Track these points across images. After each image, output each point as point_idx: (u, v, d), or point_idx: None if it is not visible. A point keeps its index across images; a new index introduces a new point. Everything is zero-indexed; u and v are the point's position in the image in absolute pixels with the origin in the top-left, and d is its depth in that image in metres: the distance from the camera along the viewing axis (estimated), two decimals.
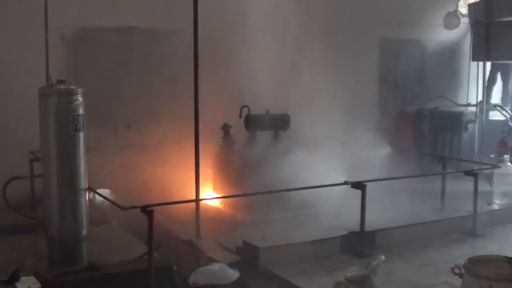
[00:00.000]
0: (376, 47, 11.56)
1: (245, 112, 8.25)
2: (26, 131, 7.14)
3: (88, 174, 6.12)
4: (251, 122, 8.29)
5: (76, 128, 5.90)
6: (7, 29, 7.85)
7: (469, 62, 11.81)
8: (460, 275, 4.50)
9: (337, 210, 7.50)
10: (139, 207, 5.40)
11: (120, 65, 8.90)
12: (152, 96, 8.92)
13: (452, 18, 11.86)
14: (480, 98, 11.53)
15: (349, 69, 9.20)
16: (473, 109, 11.49)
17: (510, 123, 10.46)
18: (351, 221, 6.82)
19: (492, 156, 9.97)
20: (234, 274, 5.82)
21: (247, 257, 6.38)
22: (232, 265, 6.00)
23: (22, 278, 4.94)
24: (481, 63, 11.44)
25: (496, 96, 12.14)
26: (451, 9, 11.92)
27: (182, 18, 7.24)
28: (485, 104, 11.34)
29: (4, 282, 4.86)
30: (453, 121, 11.27)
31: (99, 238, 6.37)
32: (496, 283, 4.18)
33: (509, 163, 8.63)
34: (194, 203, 6.92)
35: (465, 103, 11.97)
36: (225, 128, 8.28)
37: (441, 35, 11.95)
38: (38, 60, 7.64)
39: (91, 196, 6.83)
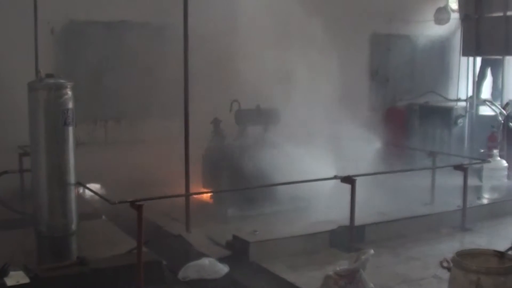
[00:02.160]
0: (367, 43, 11.56)
1: (235, 106, 8.24)
2: (15, 126, 7.11)
3: (77, 168, 6.10)
4: (242, 116, 8.29)
5: (65, 123, 5.88)
6: None
7: (459, 57, 11.83)
8: (449, 269, 4.51)
9: (327, 205, 7.52)
10: (128, 201, 5.38)
11: (110, 60, 8.87)
12: (142, 90, 8.89)
13: (442, 13, 11.87)
14: (470, 93, 11.55)
15: (339, 64, 9.18)
16: (463, 104, 11.51)
17: (499, 118, 10.50)
18: (341, 215, 6.82)
19: (482, 151, 10.02)
20: (223, 269, 5.83)
21: (237, 252, 6.38)
22: (221, 260, 6.01)
23: (11, 273, 4.92)
24: (471, 58, 11.45)
25: (486, 91, 12.17)
26: (441, 4, 11.93)
27: (172, 12, 7.22)
28: (475, 99, 11.36)
29: None
30: (443, 116, 11.30)
31: (88, 233, 6.34)
32: (484, 276, 4.19)
33: (499, 158, 8.67)
34: (184, 198, 6.91)
35: (455, 98, 12.00)
36: (215, 122, 8.27)
37: (431, 30, 11.96)
38: (27, 54, 7.60)
39: (81, 190, 6.82)
